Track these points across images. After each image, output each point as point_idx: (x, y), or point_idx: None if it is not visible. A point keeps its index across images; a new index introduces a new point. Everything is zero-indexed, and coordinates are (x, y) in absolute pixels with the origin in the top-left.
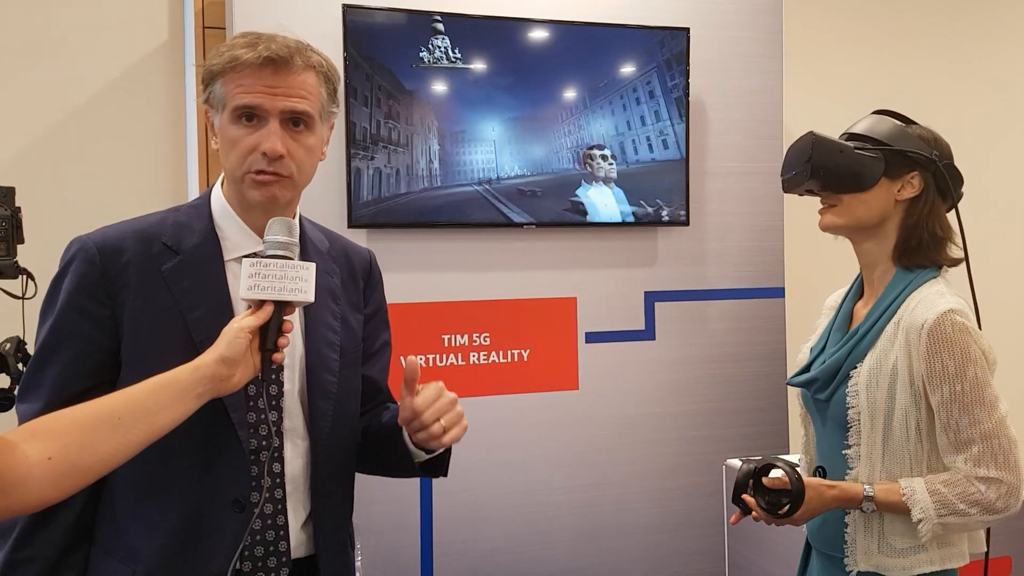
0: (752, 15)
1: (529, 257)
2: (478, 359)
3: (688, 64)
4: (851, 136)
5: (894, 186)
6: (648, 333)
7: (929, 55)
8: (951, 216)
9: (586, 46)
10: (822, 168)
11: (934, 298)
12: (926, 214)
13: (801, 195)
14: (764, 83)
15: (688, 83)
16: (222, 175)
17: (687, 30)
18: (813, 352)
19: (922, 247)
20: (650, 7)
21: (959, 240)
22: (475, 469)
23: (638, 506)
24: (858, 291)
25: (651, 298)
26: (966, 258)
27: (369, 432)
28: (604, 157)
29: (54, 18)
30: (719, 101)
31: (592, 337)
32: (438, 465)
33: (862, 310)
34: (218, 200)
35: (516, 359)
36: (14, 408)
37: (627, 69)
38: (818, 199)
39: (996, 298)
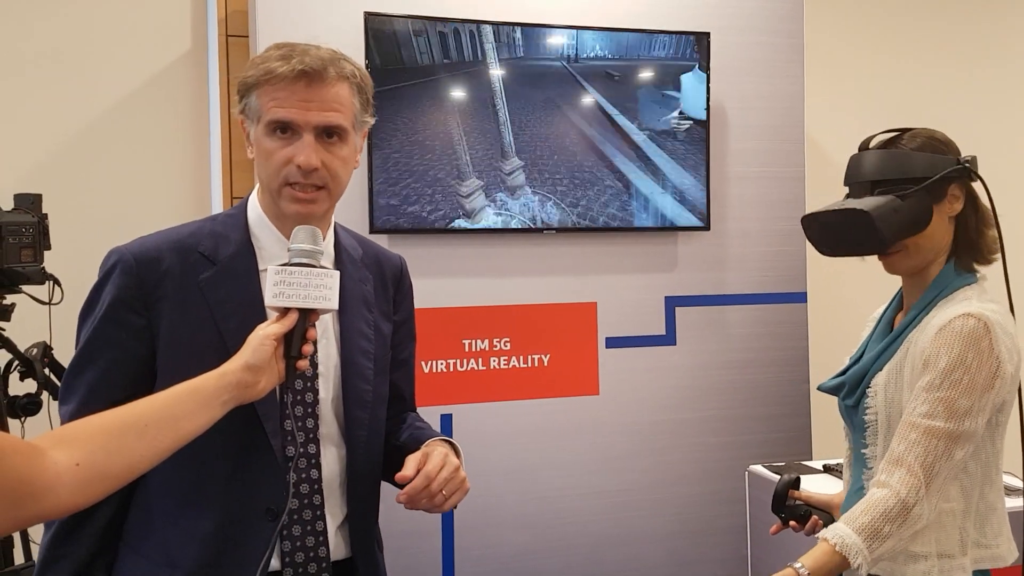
0: (773, 20)
1: (550, 262)
2: (498, 364)
3: (708, 69)
4: (877, 183)
5: (943, 208)
6: (669, 338)
7: (950, 61)
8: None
9: (610, 50)
10: (893, 238)
11: (957, 305)
12: (976, 216)
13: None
14: (785, 88)
15: (709, 88)
16: (258, 184)
17: (708, 35)
18: (851, 360)
19: (973, 247)
20: (670, 12)
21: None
22: (496, 475)
23: (659, 512)
24: (899, 303)
25: (672, 303)
26: (1002, 254)
27: (387, 447)
28: None
29: (78, 27)
30: (739, 105)
31: (612, 342)
32: None
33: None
34: (254, 210)
35: (536, 364)
36: (41, 412)
37: (646, 73)
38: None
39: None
